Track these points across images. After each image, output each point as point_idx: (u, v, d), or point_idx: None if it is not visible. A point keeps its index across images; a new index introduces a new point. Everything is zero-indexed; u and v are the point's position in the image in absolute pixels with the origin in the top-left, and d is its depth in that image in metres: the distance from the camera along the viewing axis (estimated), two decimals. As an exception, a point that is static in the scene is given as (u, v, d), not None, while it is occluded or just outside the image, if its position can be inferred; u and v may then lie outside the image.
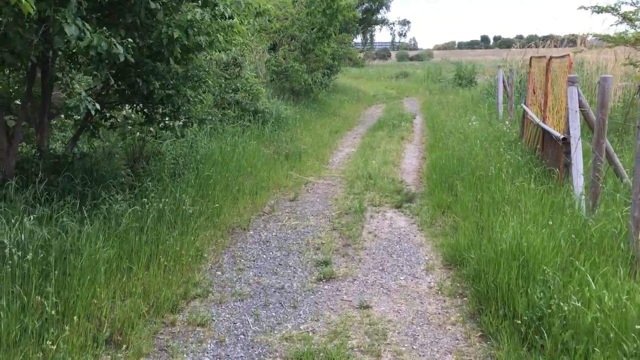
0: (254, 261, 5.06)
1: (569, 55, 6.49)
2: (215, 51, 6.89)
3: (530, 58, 9.57)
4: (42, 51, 4.51)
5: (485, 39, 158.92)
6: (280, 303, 4.17)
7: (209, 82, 6.10)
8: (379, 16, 50.82)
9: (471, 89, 21.24)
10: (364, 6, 45.10)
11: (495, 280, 3.90)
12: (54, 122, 6.85)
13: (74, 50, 4.69)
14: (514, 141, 9.33)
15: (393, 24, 55.28)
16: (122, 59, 4.57)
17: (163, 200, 5.40)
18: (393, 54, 76.37)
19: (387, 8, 48.62)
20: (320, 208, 6.89)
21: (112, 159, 6.55)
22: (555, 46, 16.39)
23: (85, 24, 4.12)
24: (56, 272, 3.59)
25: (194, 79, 5.88)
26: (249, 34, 13.62)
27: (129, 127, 7.43)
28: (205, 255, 5.09)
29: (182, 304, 4.10)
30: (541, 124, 7.79)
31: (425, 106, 19.32)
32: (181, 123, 6.37)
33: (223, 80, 10.22)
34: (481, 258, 4.24)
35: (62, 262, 3.83)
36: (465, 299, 4.17)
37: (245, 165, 8.09)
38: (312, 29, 15.79)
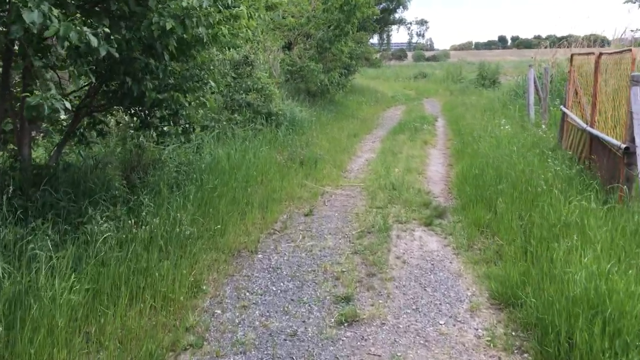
0: (261, 295, 4.23)
1: (630, 50, 5.57)
2: (224, 48, 6.09)
3: (571, 55, 8.63)
4: (7, 44, 3.73)
5: (502, 39, 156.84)
6: (292, 358, 3.34)
7: (211, 83, 5.28)
8: (397, 16, 49.93)
9: (495, 89, 20.25)
10: (382, 6, 44.20)
11: (569, 336, 3.03)
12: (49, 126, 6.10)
13: (46, 43, 3.92)
14: (552, 148, 8.40)
15: (410, 23, 54.29)
16: (102, 53, 3.79)
17: (154, 220, 4.61)
18: (409, 54, 75.32)
19: (405, 7, 47.71)
20: (338, 225, 6.06)
21: (105, 169, 5.78)
22: (588, 45, 15.37)
23: (53, 9, 3.34)
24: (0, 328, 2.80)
25: (194, 79, 5.08)
26: (261, 31, 12.83)
27: (131, 132, 6.69)
28: (204, 287, 4.27)
29: (169, 359, 3.29)
30: (589, 128, 6.87)
31: (446, 108, 18.41)
32: (181, 129, 5.58)
33: (231, 80, 9.42)
34: (545, 304, 3.36)
35: (20, 309, 3.05)
36: (525, 355, 3.30)
37: (255, 175, 7.29)
38: (329, 27, 14.94)
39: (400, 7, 47.31)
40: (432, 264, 4.86)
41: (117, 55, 3.94)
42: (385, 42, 54.64)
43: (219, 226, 5.19)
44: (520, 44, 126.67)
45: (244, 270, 4.72)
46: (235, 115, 8.72)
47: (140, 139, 6.65)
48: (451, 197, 7.25)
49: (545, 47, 17.09)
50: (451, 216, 6.27)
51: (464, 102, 17.75)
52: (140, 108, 5.19)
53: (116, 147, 6.91)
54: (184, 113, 5.35)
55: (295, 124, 11.33)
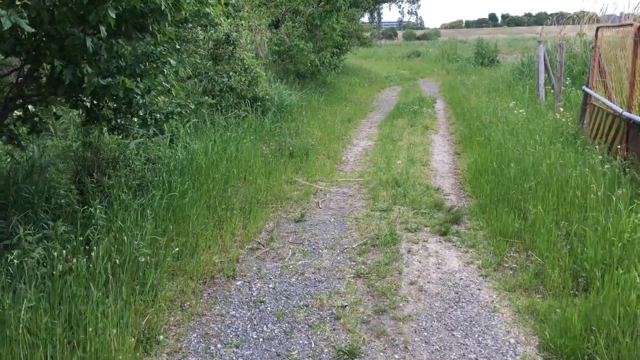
0: (237, 347, 3.20)
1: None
2: (203, 22, 4.97)
3: (597, 29, 7.57)
4: None
5: (493, 17, 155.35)
6: None
7: (171, 61, 4.16)
8: (387, -7, 48.41)
9: (495, 68, 19.17)
10: (373, -18, 42.69)
11: None
12: None
13: None
14: (574, 135, 7.39)
15: (402, 1, 52.73)
16: (5, 26, 2.70)
17: (102, 243, 3.55)
18: (399, 33, 73.77)
19: (397, -16, 46.23)
20: (335, 234, 5.03)
21: (44, 173, 4.68)
22: (598, 21, 14.30)
23: None
24: None
25: (150, 59, 3.97)
26: (245, 7, 11.65)
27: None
28: (162, 336, 3.24)
29: None
30: (627, 114, 5.85)
31: (444, 88, 17.31)
32: (139, 122, 4.48)
33: (205, 61, 8.25)
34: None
35: None
36: None
37: (236, 173, 6.23)
38: (319, 2, 13.74)
39: (392, -16, 45.83)
40: (456, 292, 3.85)
41: (30, 29, 2.85)
42: (376, 20, 53.17)
43: (177, 249, 4.12)
44: (510, 21, 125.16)
45: (217, 305, 3.68)
46: (206, 97, 7.52)
47: (104, 130, 5.55)
48: (465, 195, 6.23)
49: (551, 24, 15.99)
50: (469, 221, 5.26)
51: (463, 82, 16.65)
52: (83, 98, 4.08)
53: (74, 142, 5.81)
54: (142, 101, 4.25)
55: (283, 109, 10.24)
